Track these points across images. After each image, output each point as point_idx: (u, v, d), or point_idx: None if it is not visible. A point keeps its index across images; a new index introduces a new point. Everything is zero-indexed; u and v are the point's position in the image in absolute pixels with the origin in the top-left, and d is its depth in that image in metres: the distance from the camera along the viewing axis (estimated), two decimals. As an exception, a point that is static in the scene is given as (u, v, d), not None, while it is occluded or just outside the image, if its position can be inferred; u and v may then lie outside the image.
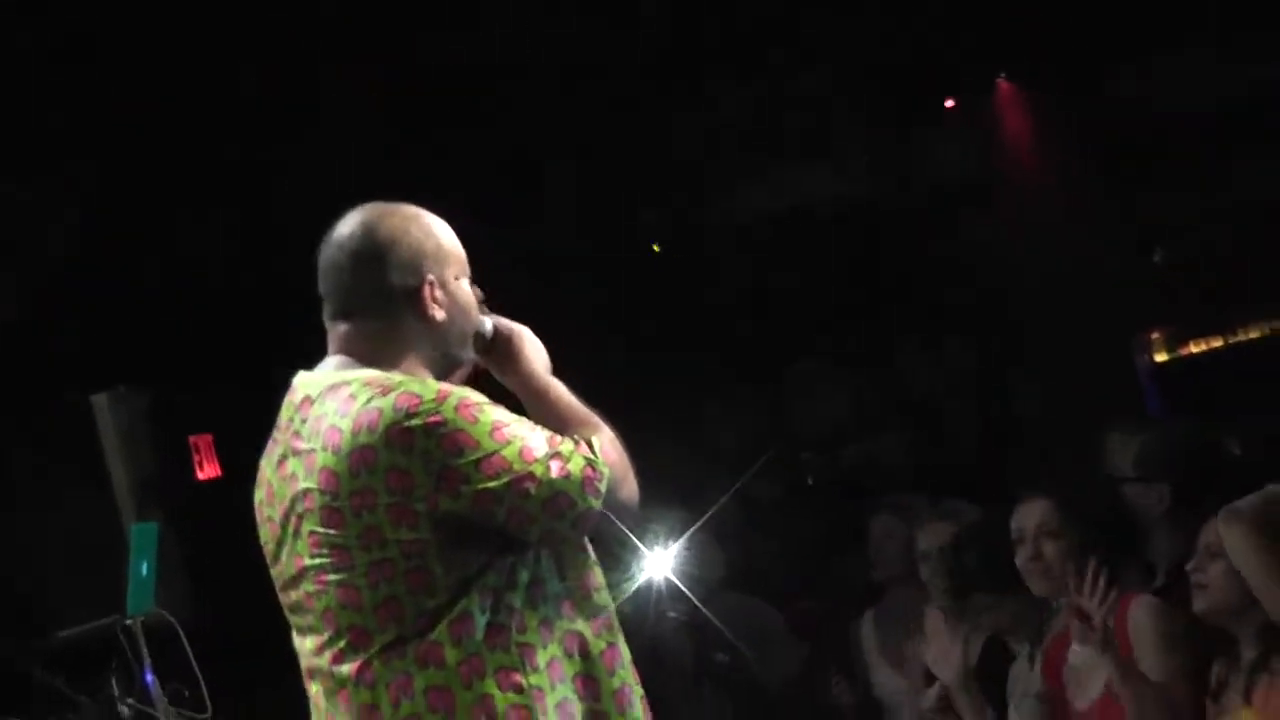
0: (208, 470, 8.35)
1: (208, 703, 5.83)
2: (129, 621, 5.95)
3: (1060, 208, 11.79)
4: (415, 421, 3.41)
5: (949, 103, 12.21)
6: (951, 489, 7.02)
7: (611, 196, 11.09)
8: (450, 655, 3.45)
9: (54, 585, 6.77)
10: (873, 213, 12.17)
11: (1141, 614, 5.24)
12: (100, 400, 6.92)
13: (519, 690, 3.47)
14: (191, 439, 8.00)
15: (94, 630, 6.00)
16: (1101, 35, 10.87)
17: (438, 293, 3.66)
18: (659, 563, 6.60)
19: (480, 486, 3.43)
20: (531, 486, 3.45)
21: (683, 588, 6.67)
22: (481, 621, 3.47)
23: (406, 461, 3.41)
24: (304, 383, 3.66)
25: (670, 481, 6.88)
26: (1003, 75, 12.14)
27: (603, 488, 3.53)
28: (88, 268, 8.54)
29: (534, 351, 3.83)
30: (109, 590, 6.11)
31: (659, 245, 12.29)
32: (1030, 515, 5.44)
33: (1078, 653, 5.40)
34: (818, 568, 7.87)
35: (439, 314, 3.66)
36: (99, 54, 8.23)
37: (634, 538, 6.30)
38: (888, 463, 10.89)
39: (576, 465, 3.51)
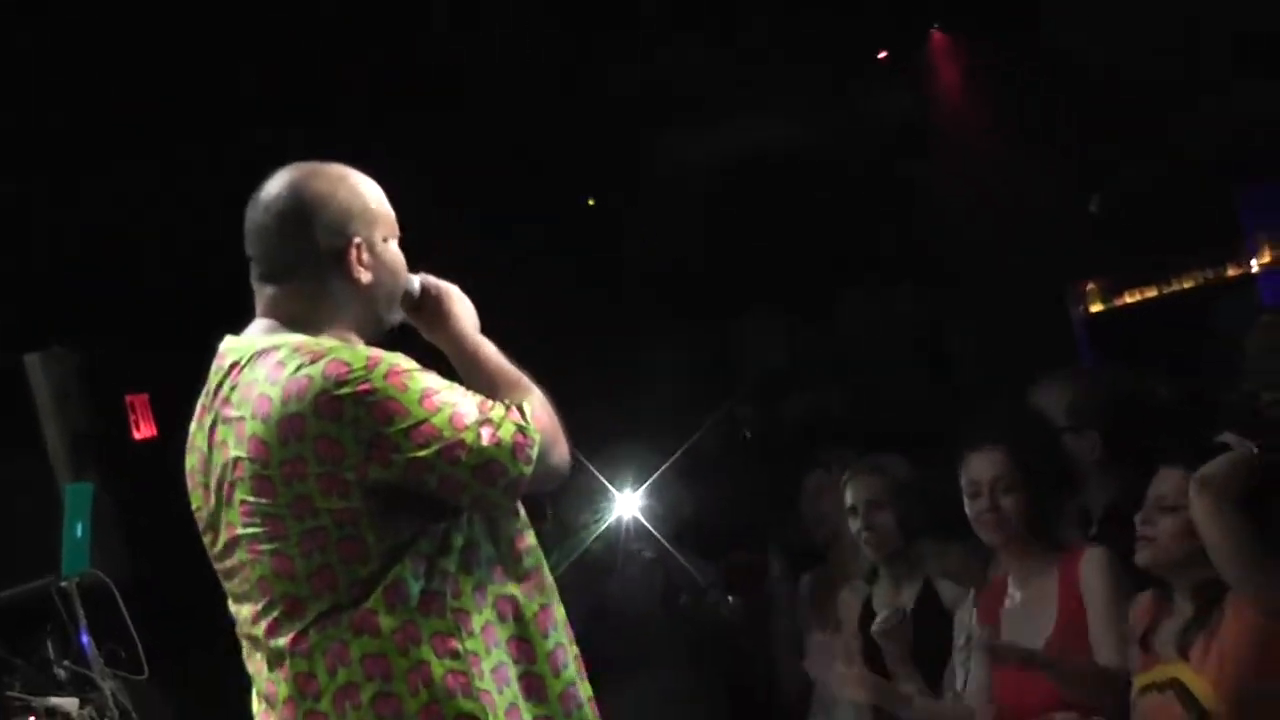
0: (144, 430, 8.31)
1: (144, 664, 5.81)
2: (64, 583, 5.95)
3: (995, 158, 11.77)
4: (345, 390, 3.37)
5: (881, 54, 12.21)
6: (889, 441, 6.94)
7: (552, 150, 11.03)
8: (385, 623, 3.42)
9: (-10, 548, 6.71)
10: (810, 164, 12.12)
11: (1092, 566, 5.23)
12: (33, 360, 6.88)
13: (455, 656, 3.46)
14: (128, 398, 7.97)
15: (29, 592, 5.96)
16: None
17: (364, 255, 3.60)
18: (628, 503, 6.69)
19: (411, 455, 3.40)
20: (462, 454, 3.42)
21: (649, 527, 6.67)
22: (416, 588, 3.45)
23: (336, 430, 3.37)
24: (231, 348, 3.60)
25: (611, 435, 6.89)
26: (936, 26, 12.15)
27: (534, 453, 3.49)
28: (18, 226, 8.44)
29: (463, 311, 3.79)
30: (44, 551, 6.05)
31: (593, 199, 12.21)
32: (986, 467, 5.39)
33: (1016, 598, 5.41)
34: (755, 522, 7.81)
35: (365, 276, 3.61)
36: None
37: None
38: (826, 416, 10.88)
39: (507, 431, 3.47)
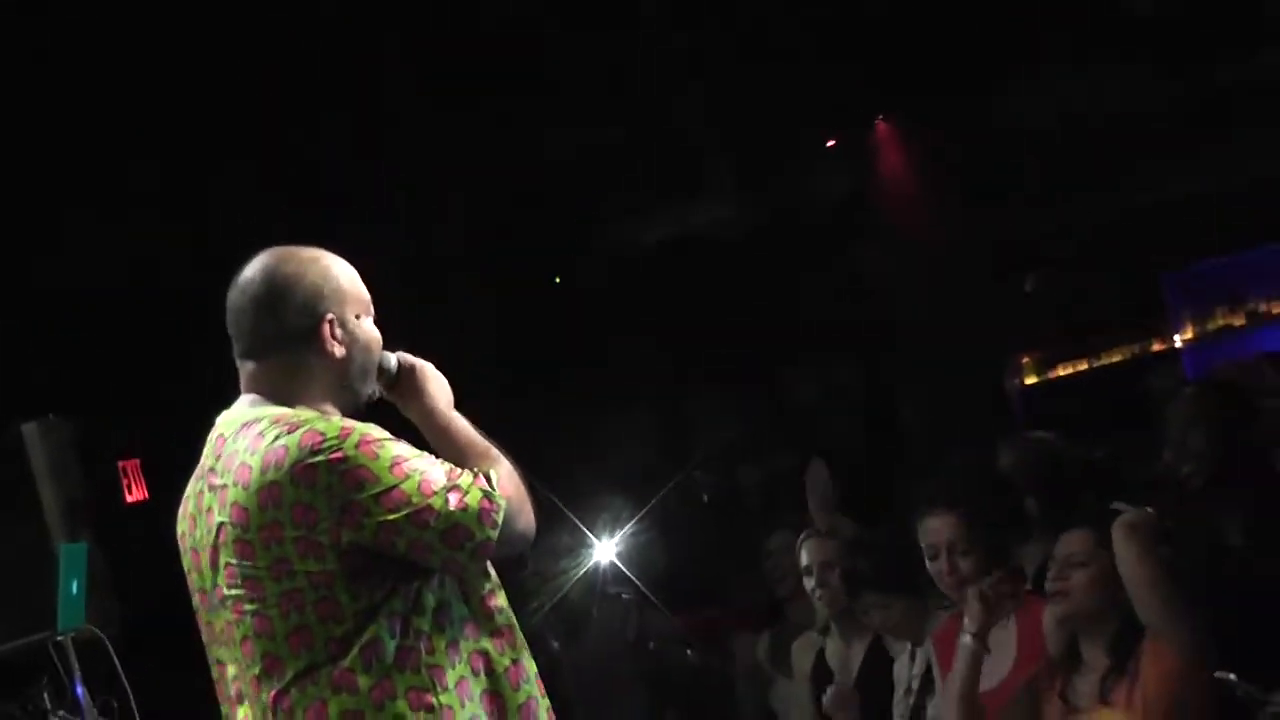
0: (136, 493, 8.29)
1: (135, 714, 5.77)
2: (60, 637, 5.91)
3: (937, 238, 11.80)
4: (319, 458, 3.38)
5: (830, 142, 12.25)
6: (839, 505, 6.96)
7: (508, 232, 11.03)
8: (362, 681, 3.43)
9: (-12, 604, 6.70)
10: (762, 242, 12.15)
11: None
12: (30, 428, 6.88)
13: (430, 709, 3.46)
14: (120, 464, 7.97)
15: (26, 645, 5.95)
16: (969, 72, 10.90)
17: (337, 330, 3.62)
18: (604, 550, 6.83)
19: (381, 519, 3.39)
20: (430, 518, 3.42)
21: (625, 570, 6.69)
22: (391, 646, 3.45)
23: (310, 496, 3.38)
24: (222, 421, 3.63)
25: (586, 493, 6.93)
26: (881, 116, 12.20)
27: (499, 518, 3.49)
28: (16, 299, 8.42)
29: (436, 387, 3.80)
30: (40, 607, 6.03)
31: (559, 278, 12.20)
32: (941, 531, 5.44)
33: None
34: (718, 580, 7.81)
35: (338, 350, 3.62)
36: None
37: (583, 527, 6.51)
38: (779, 481, 10.88)
39: (474, 498, 3.47)
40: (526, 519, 3.60)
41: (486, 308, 10.87)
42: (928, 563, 5.48)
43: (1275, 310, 12.36)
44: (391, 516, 3.39)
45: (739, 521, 8.40)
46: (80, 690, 5.81)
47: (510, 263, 11.26)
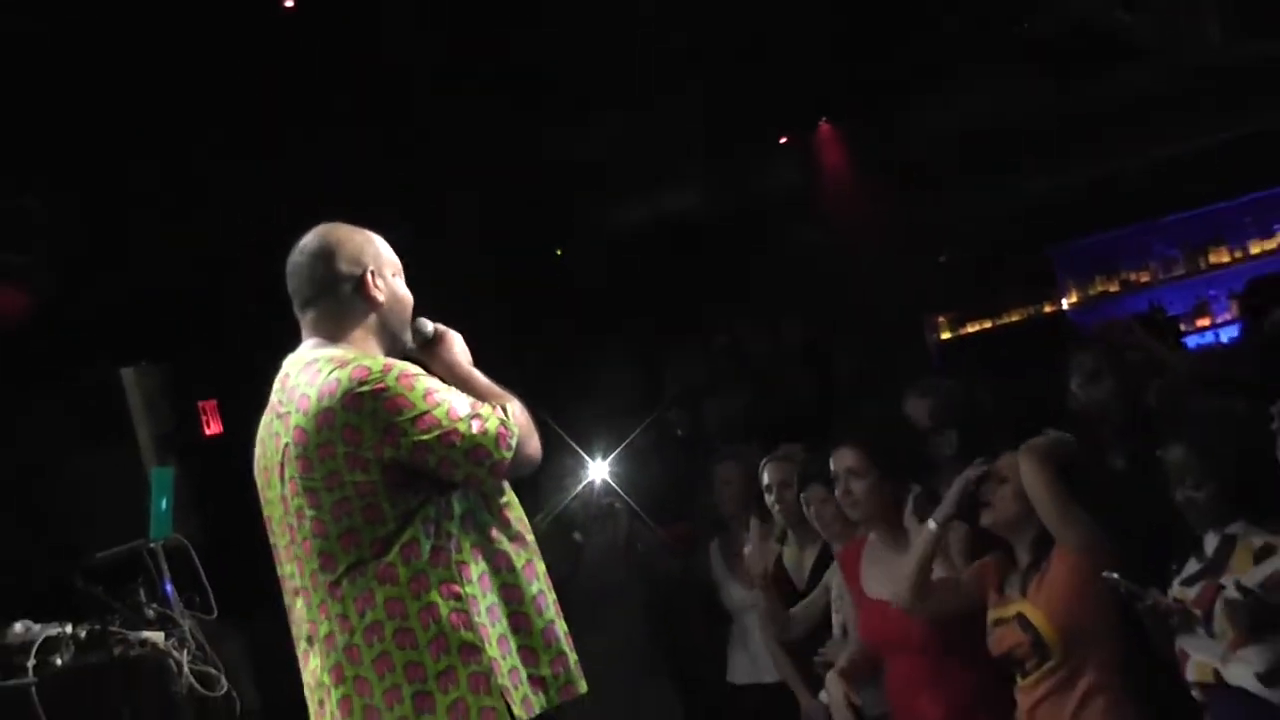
0: (213, 428, 8.28)
1: (213, 606, 5.81)
2: (152, 545, 5.91)
3: (869, 219, 11.80)
4: (365, 388, 3.47)
5: (783, 140, 12.24)
6: (783, 438, 6.96)
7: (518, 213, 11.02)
8: (402, 573, 3.49)
9: (95, 518, 6.69)
10: (724, 223, 12.18)
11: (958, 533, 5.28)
12: (128, 373, 6.89)
13: (458, 598, 3.51)
14: (200, 404, 7.97)
15: (125, 552, 5.94)
16: (897, 84, 10.89)
17: (378, 280, 3.72)
18: (599, 468, 6.79)
19: (416, 439, 3.48)
20: (456, 439, 3.50)
21: (614, 486, 6.67)
22: (426, 546, 3.51)
23: (358, 420, 3.47)
24: (288, 363, 3.72)
25: (582, 426, 6.93)
26: (824, 119, 12.18)
27: (513, 443, 3.57)
28: (116, 262, 8.42)
29: (461, 350, 3.86)
30: (137, 521, 6.04)
31: (561, 250, 12.18)
32: (841, 460, 5.43)
33: (881, 558, 5.43)
34: (687, 497, 7.81)
35: (380, 295, 3.72)
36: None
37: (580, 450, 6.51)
38: (734, 418, 10.87)
39: (493, 425, 3.55)
40: (534, 445, 3.66)
41: (502, 277, 10.85)
42: (835, 488, 5.46)
43: (1142, 279, 12.40)
44: (424, 437, 3.47)
45: (704, 450, 8.38)
46: (169, 588, 5.82)
47: (520, 240, 11.24)
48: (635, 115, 10.57)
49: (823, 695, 5.91)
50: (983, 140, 11.50)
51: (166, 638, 5.57)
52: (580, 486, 6.69)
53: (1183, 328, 11.23)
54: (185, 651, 5.57)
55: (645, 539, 6.85)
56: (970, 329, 13.03)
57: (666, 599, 6.84)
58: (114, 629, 5.50)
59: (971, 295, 12.92)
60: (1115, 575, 4.61)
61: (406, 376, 3.52)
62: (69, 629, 5.49)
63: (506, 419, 3.59)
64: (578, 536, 6.59)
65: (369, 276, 3.69)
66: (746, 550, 6.13)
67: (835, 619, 5.77)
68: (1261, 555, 4.41)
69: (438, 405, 3.51)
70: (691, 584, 6.94)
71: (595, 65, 9.69)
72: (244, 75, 8.35)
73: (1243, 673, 4.38)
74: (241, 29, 8.21)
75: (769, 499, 6.11)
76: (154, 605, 5.78)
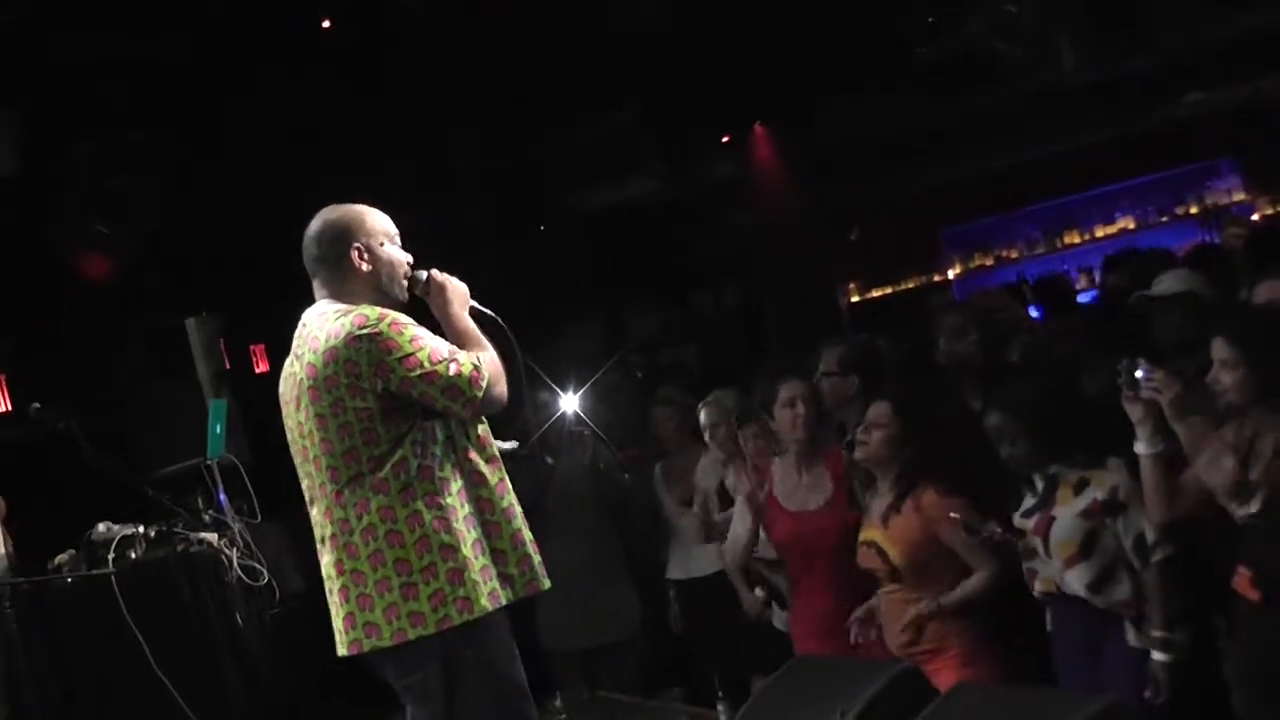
0: (262, 367, 8.28)
1: (258, 513, 5.81)
2: (209, 462, 5.92)
3: (794, 205, 11.78)
4: (363, 331, 3.49)
5: (724, 138, 12.21)
6: (719, 382, 6.92)
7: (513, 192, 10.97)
8: (393, 486, 3.51)
9: (163, 440, 6.71)
10: (673, 208, 12.17)
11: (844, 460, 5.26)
12: (190, 322, 6.88)
13: (439, 508, 3.53)
14: (251, 346, 7.97)
15: (186, 468, 5.94)
16: (818, 94, 10.85)
17: (364, 254, 3.70)
18: (570, 400, 6.67)
19: (402, 375, 3.49)
20: (435, 378, 3.51)
21: (583, 416, 6.66)
22: (414, 464, 3.53)
23: (357, 356, 3.48)
24: (305, 316, 3.71)
25: (557, 364, 6.88)
26: (759, 121, 12.15)
27: (484, 384, 3.57)
28: (183, 232, 8.40)
29: (453, 295, 3.80)
30: (197, 442, 6.06)
31: (543, 226, 12.11)
32: (794, 389, 5.35)
33: (798, 477, 5.39)
34: (641, 427, 7.78)
35: (365, 266, 3.70)
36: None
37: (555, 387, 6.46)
38: (684, 364, 10.88)
39: (466, 368, 3.55)
40: (501, 389, 3.65)
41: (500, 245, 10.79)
42: (781, 410, 5.39)
43: (1011, 255, 12.47)
44: (409, 374, 3.49)
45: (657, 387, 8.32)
46: (222, 497, 5.83)
47: (509, 216, 11.19)
48: (606, 119, 10.52)
49: (758, 590, 5.95)
50: (887, 141, 11.49)
51: (219, 537, 5.58)
52: (555, 416, 6.63)
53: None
54: (235, 549, 5.58)
55: (606, 459, 6.80)
56: (874, 294, 13.08)
57: (623, 508, 6.80)
58: (177, 530, 5.52)
59: (875, 267, 12.94)
60: (958, 516, 4.65)
61: (397, 324, 3.52)
62: (141, 529, 5.51)
63: (479, 365, 3.57)
64: (549, 460, 6.54)
65: (353, 252, 3.68)
66: (699, 475, 6.13)
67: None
68: (1080, 487, 4.45)
69: (421, 349, 3.51)
70: (641, 496, 6.90)
71: (572, 77, 9.63)
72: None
73: (1076, 585, 4.43)
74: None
75: (706, 436, 6.00)
76: (210, 511, 5.79)
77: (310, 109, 8.68)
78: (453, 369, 3.52)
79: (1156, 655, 4.27)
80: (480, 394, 3.56)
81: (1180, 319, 5.01)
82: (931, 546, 4.75)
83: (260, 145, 8.60)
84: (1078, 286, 11.66)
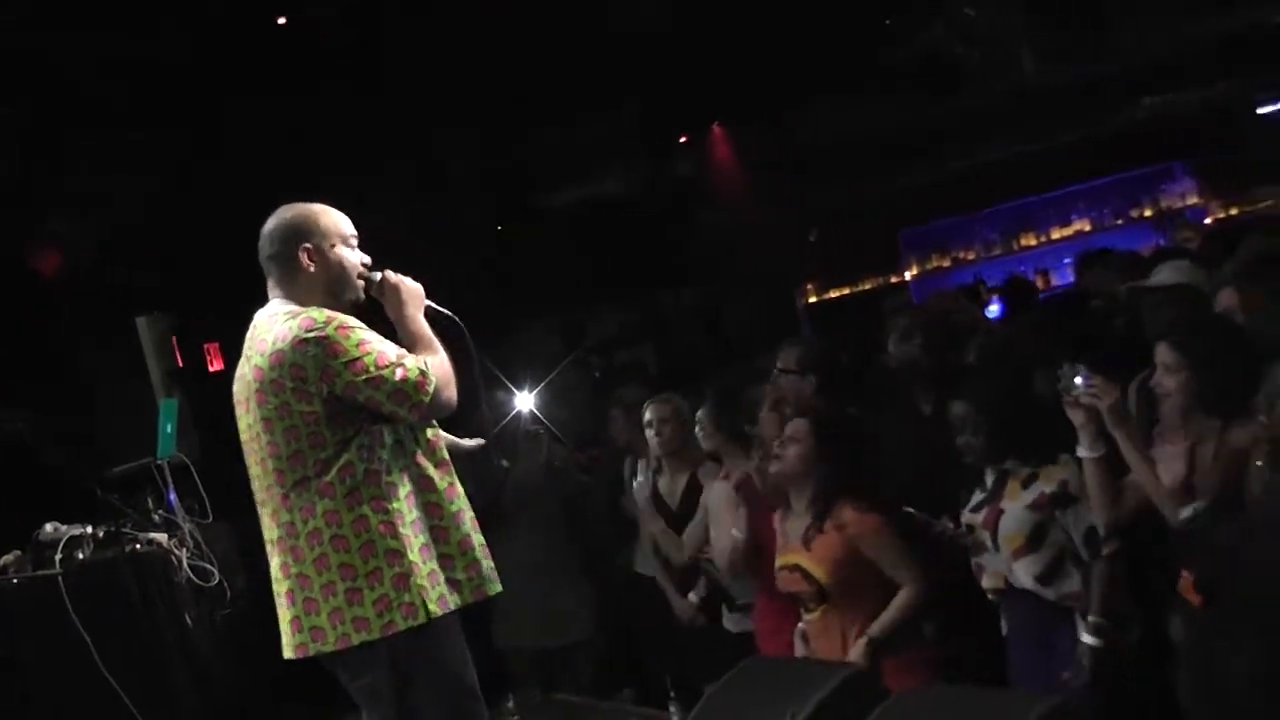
0: (216, 365, 8.18)
1: (209, 512, 5.74)
2: (159, 462, 5.85)
3: (753, 205, 11.82)
4: (310, 335, 3.45)
5: (683, 139, 12.24)
6: (682, 382, 6.91)
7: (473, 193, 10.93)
8: (339, 490, 3.48)
9: (113, 438, 6.62)
10: (635, 205, 12.19)
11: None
12: (142, 320, 6.77)
13: (385, 512, 3.50)
14: (206, 345, 7.90)
15: (137, 467, 5.87)
16: (778, 96, 10.89)
17: (314, 255, 3.65)
18: (525, 399, 6.62)
19: (348, 379, 3.45)
20: (380, 383, 3.46)
21: (539, 415, 6.60)
22: (360, 468, 3.49)
23: (303, 360, 3.44)
24: (256, 317, 3.67)
25: (516, 364, 6.85)
26: (718, 122, 12.18)
27: (430, 389, 3.52)
28: (130, 229, 8.32)
29: (407, 296, 3.73)
30: (148, 441, 5.98)
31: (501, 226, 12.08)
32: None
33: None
34: (599, 426, 7.76)
35: (312, 268, 3.65)
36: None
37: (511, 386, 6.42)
38: (641, 363, 10.90)
39: (413, 374, 3.50)
40: (450, 394, 3.60)
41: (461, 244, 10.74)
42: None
43: (968, 257, 12.53)
44: (355, 378, 3.45)
45: (615, 388, 8.30)
46: (172, 496, 5.76)
47: (474, 214, 11.16)
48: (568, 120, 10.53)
49: (691, 595, 5.94)
50: (847, 144, 11.53)
51: (169, 538, 5.52)
52: (511, 416, 6.59)
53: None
54: (185, 549, 5.52)
55: (562, 458, 6.78)
56: (832, 295, 13.10)
57: (578, 507, 6.77)
58: (126, 530, 5.44)
59: (834, 268, 12.98)
60: (912, 510, 4.64)
61: (344, 328, 3.48)
62: (89, 529, 5.43)
63: (426, 369, 3.52)
64: (504, 463, 6.49)
65: (301, 253, 3.63)
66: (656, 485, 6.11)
67: (712, 531, 5.66)
68: (1029, 482, 4.46)
69: (368, 353, 3.46)
70: (598, 494, 6.88)
71: (539, 85, 9.62)
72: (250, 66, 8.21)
73: (1024, 578, 4.45)
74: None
75: (649, 433, 5.98)
76: (160, 511, 5.72)
77: (272, 105, 8.61)
78: (399, 374, 3.48)
79: (1086, 638, 4.28)
80: (427, 399, 3.51)
81: (1175, 311, 4.95)
82: (856, 564, 4.68)
83: (220, 141, 8.54)
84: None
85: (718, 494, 5.49)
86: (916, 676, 4.52)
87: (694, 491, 5.90)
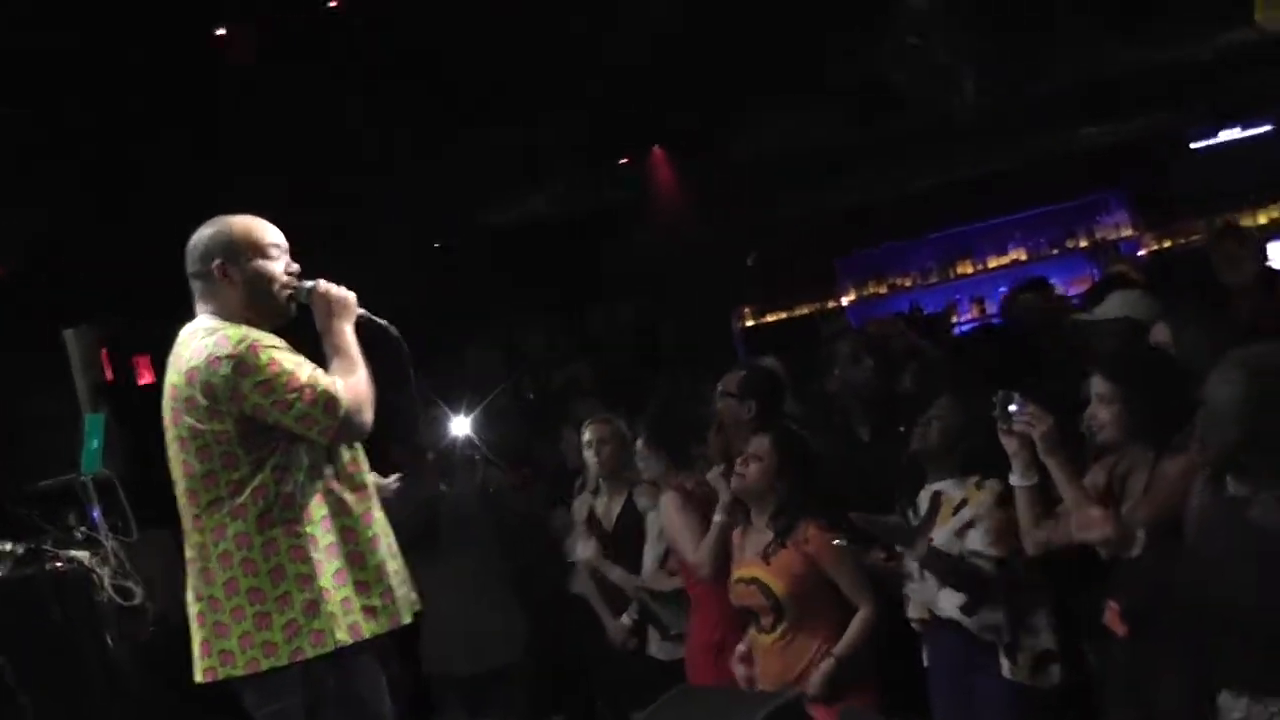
0: (146, 378, 8.07)
1: (134, 530, 5.63)
2: (83, 477, 5.72)
3: (691, 227, 11.84)
4: (222, 353, 3.41)
5: (623, 160, 12.25)
6: (619, 404, 6.88)
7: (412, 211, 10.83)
8: (252, 512, 3.44)
9: (35, 453, 6.50)
10: (574, 225, 12.14)
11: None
12: (69, 333, 6.69)
13: (297, 536, 3.46)
14: (135, 358, 7.78)
15: (60, 483, 5.75)
16: (714, 118, 10.92)
17: (229, 271, 3.60)
18: (462, 424, 6.50)
19: (256, 401, 3.41)
20: (287, 407, 3.42)
21: (475, 439, 6.51)
22: (274, 490, 3.45)
23: (213, 379, 3.40)
24: (182, 332, 3.63)
25: (453, 387, 6.78)
26: (657, 145, 12.20)
27: (340, 413, 3.46)
28: (56, 240, 8.18)
29: (337, 308, 3.66)
30: (72, 456, 5.85)
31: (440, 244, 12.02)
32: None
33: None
34: (534, 447, 7.74)
35: (230, 284, 3.60)
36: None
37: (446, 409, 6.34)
38: (577, 382, 10.84)
39: (321, 396, 3.44)
40: (363, 417, 3.54)
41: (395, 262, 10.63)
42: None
43: (905, 284, 12.61)
44: (262, 400, 3.40)
45: (552, 409, 8.29)
46: (96, 513, 5.64)
47: (407, 231, 11.06)
48: (513, 134, 10.48)
49: (624, 618, 5.90)
50: (786, 167, 11.57)
51: (91, 555, 5.41)
52: (448, 440, 6.52)
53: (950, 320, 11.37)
54: (107, 568, 5.41)
55: (496, 481, 6.73)
56: (769, 319, 13.13)
57: (513, 529, 6.72)
58: (46, 547, 5.34)
59: (771, 291, 13.02)
60: (841, 541, 4.63)
61: (257, 349, 3.43)
62: (8, 546, 5.32)
63: (337, 392, 3.46)
64: (444, 487, 6.43)
65: (216, 270, 3.59)
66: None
67: (650, 553, 5.66)
68: (959, 507, 4.48)
69: (276, 376, 3.41)
70: (533, 517, 6.83)
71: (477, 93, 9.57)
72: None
73: (949, 607, 4.45)
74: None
75: (588, 453, 5.98)
76: (82, 528, 5.61)
77: (201, 113, 8.51)
78: (307, 395, 3.42)
79: (1007, 672, 4.31)
80: (335, 423, 3.46)
81: (1115, 343, 4.97)
82: (816, 581, 4.71)
83: (152, 149, 8.43)
84: (968, 316, 11.85)
85: (667, 504, 5.43)
86: (864, 702, 4.56)
87: (630, 514, 5.88)
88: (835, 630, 4.70)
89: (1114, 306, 5.28)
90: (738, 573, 4.90)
